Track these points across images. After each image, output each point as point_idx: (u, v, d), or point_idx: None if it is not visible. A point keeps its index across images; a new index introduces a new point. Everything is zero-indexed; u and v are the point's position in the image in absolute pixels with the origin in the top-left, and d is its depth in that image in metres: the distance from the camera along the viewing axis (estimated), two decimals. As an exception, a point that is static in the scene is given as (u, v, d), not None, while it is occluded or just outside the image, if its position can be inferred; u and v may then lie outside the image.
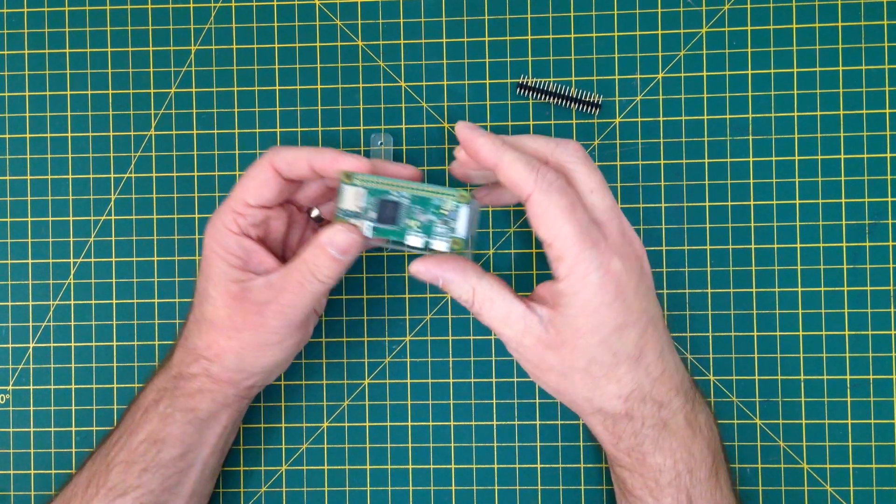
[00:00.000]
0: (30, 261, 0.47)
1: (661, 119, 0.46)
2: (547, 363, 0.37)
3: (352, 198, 0.38)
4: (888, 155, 0.45)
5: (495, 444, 0.46)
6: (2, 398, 0.47)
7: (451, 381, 0.46)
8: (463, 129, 0.37)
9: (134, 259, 0.47)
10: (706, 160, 0.46)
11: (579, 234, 0.35)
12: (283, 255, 0.42)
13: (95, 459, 0.41)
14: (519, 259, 0.46)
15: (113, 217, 0.47)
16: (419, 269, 0.38)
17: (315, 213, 0.42)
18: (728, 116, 0.46)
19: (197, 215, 0.47)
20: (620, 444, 0.38)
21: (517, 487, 0.46)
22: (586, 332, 0.35)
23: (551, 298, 0.36)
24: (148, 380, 0.42)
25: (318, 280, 0.37)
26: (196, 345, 0.40)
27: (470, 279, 0.37)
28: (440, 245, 0.37)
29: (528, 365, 0.38)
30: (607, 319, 0.35)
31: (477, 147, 0.36)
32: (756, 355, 0.45)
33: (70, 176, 0.47)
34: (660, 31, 0.46)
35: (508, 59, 0.46)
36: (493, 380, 0.46)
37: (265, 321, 0.38)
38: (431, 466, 0.46)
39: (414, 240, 0.38)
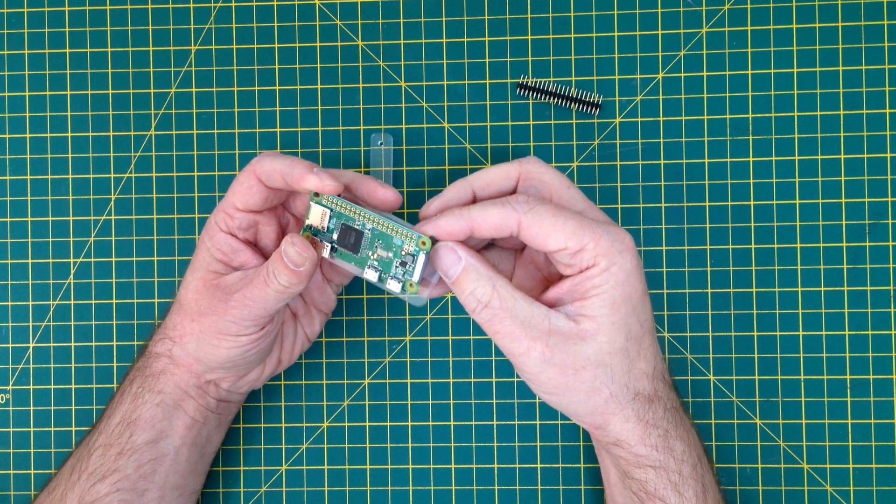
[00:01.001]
0: (30, 261, 0.47)
1: (661, 119, 0.46)
2: (582, 358, 0.35)
3: (317, 215, 0.38)
4: (888, 155, 0.45)
5: (495, 444, 0.46)
6: (2, 398, 0.47)
7: (451, 381, 0.46)
8: (424, 227, 0.37)
9: (134, 259, 0.47)
10: (706, 160, 0.46)
11: (581, 221, 0.36)
12: None
13: (80, 445, 0.42)
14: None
15: (113, 217, 0.47)
16: (445, 246, 0.37)
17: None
18: (728, 116, 0.46)
19: (197, 215, 0.47)
20: (652, 434, 0.37)
21: (517, 487, 0.46)
22: (622, 302, 0.35)
23: (573, 293, 0.36)
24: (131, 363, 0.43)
25: (278, 282, 0.37)
26: (165, 325, 0.41)
27: (491, 275, 0.36)
28: (393, 284, 0.37)
29: (554, 372, 0.35)
30: (637, 284, 0.36)
31: (445, 230, 0.36)
32: (756, 355, 0.45)
33: (70, 176, 0.47)
34: (660, 31, 0.46)
35: (508, 59, 0.46)
36: (493, 380, 0.46)
37: (227, 308, 0.38)
38: (431, 466, 0.46)
39: (370, 273, 0.38)
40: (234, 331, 0.39)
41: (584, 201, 0.38)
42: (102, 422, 0.41)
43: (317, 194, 0.38)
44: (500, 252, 0.41)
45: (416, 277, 0.37)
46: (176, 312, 0.41)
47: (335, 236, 0.38)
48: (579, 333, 0.35)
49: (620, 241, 0.36)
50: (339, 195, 0.38)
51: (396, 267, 0.37)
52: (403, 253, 0.37)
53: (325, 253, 0.38)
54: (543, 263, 0.40)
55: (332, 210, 0.38)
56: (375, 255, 0.38)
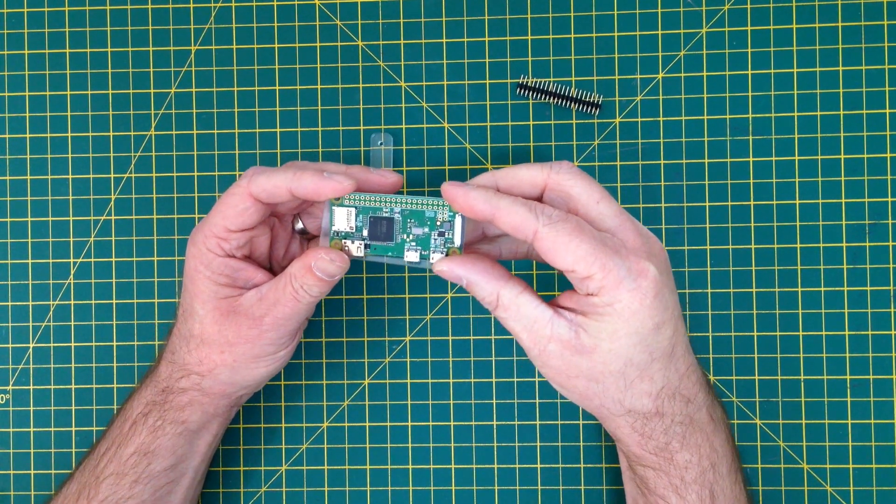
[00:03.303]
0: (30, 261, 0.47)
1: (661, 119, 0.46)
2: (576, 368, 0.36)
3: (343, 218, 0.37)
4: (888, 155, 0.45)
5: (495, 444, 0.46)
6: (2, 398, 0.47)
7: (451, 381, 0.46)
8: (450, 189, 0.36)
9: (134, 259, 0.47)
10: (706, 160, 0.46)
11: (597, 247, 0.34)
12: (270, 265, 0.42)
13: (84, 471, 0.41)
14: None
15: (113, 217, 0.47)
16: (443, 268, 0.37)
17: (299, 226, 0.42)
18: (728, 116, 0.46)
19: (197, 215, 0.47)
20: (649, 443, 0.37)
21: (517, 487, 0.46)
22: (624, 335, 0.35)
23: (581, 307, 0.36)
24: (134, 390, 0.42)
25: (309, 295, 0.38)
26: (186, 361, 0.40)
27: (494, 281, 0.36)
28: (437, 258, 0.37)
29: (550, 371, 0.37)
30: (646, 320, 0.35)
31: (470, 203, 0.35)
32: (756, 355, 0.45)
33: (70, 176, 0.47)
34: (660, 31, 0.46)
35: (508, 59, 0.46)
36: (493, 380, 0.46)
37: (261, 333, 0.38)
38: (431, 466, 0.46)
39: (411, 255, 0.37)
40: (272, 351, 0.39)
41: (617, 217, 0.36)
42: (111, 449, 0.40)
43: (336, 198, 0.37)
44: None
45: (458, 241, 0.37)
46: (197, 348, 0.39)
47: (366, 232, 0.38)
48: (576, 346, 0.35)
49: (635, 275, 0.34)
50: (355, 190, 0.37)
51: (435, 239, 0.37)
52: (439, 223, 0.37)
53: (360, 252, 0.38)
54: None
55: (357, 207, 0.37)
56: (411, 237, 0.37)
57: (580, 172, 0.37)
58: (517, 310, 0.36)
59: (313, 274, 0.37)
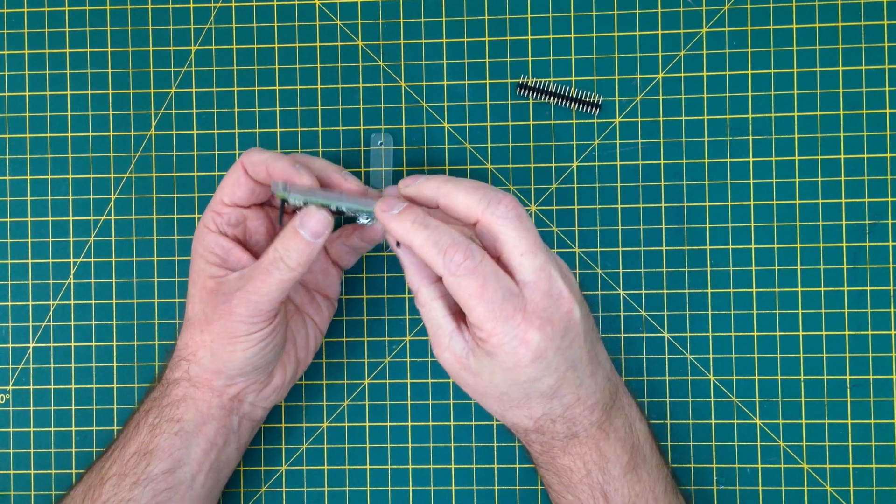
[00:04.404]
0: (30, 261, 0.47)
1: (661, 119, 0.46)
2: (462, 380, 0.39)
3: (297, 202, 0.39)
4: (888, 155, 0.45)
5: (495, 444, 0.46)
6: (2, 398, 0.47)
7: (451, 380, 0.46)
8: (380, 216, 0.38)
9: (134, 259, 0.47)
10: (706, 160, 0.46)
11: (490, 311, 0.36)
12: None
13: (92, 472, 0.41)
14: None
15: (113, 217, 0.47)
16: (391, 240, 0.39)
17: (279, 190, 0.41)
18: (728, 116, 0.46)
19: (197, 215, 0.47)
20: (532, 445, 0.40)
21: (517, 487, 0.46)
22: (500, 376, 0.37)
23: (475, 337, 0.37)
24: (147, 391, 0.43)
25: (287, 265, 0.37)
26: (178, 346, 0.41)
27: (421, 278, 0.38)
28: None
29: (448, 369, 0.39)
30: (521, 376, 0.37)
31: (394, 229, 0.37)
32: (756, 355, 0.45)
33: (70, 176, 0.47)
34: (660, 31, 0.46)
35: (508, 59, 0.46)
36: (493, 380, 0.46)
37: (232, 309, 0.38)
38: (431, 466, 0.46)
39: (361, 219, 0.39)
40: (244, 330, 0.38)
41: (534, 273, 0.36)
42: (116, 450, 0.40)
43: (284, 199, 0.38)
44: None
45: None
46: (185, 330, 0.40)
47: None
48: (465, 365, 0.38)
49: (517, 343, 0.36)
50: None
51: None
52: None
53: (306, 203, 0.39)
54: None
55: (304, 199, 0.38)
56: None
57: (516, 217, 0.36)
58: (429, 311, 0.38)
59: (298, 235, 0.38)
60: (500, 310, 0.36)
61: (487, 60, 0.47)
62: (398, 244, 0.38)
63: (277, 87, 0.47)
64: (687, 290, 0.46)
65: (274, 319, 0.39)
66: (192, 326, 0.40)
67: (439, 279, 0.38)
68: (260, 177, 0.40)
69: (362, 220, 0.39)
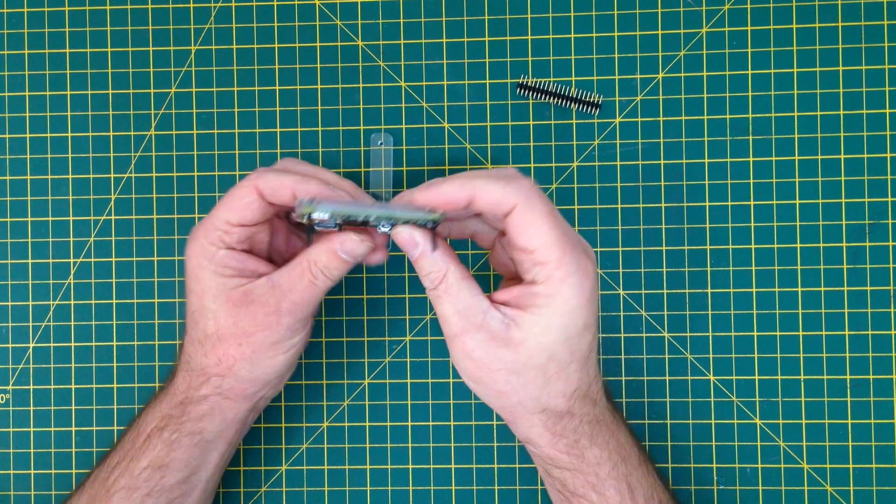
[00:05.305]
0: (30, 261, 0.47)
1: (661, 119, 0.46)
2: (499, 361, 0.37)
3: (323, 216, 0.38)
4: (888, 155, 0.45)
5: (495, 444, 0.46)
6: (2, 398, 0.47)
7: (451, 380, 0.46)
8: (421, 194, 0.37)
9: (134, 259, 0.47)
10: (706, 160, 0.46)
11: (563, 237, 0.36)
12: (271, 258, 0.42)
13: (94, 483, 0.41)
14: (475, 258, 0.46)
15: (113, 217, 0.47)
16: (402, 231, 0.38)
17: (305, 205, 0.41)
18: (728, 116, 0.46)
19: (197, 215, 0.47)
20: (560, 442, 0.38)
21: (517, 487, 0.46)
22: (555, 330, 0.36)
23: (518, 300, 0.37)
24: (148, 404, 0.42)
25: (328, 278, 0.39)
26: (204, 364, 0.39)
27: (448, 259, 0.38)
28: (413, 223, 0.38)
29: (471, 365, 0.38)
30: (578, 320, 0.36)
31: (444, 195, 0.37)
32: (756, 355, 0.45)
33: (70, 176, 0.47)
34: (660, 31, 0.46)
35: (508, 59, 0.46)
36: (493, 380, 0.46)
37: (279, 319, 0.38)
38: (431, 466, 0.46)
39: (383, 227, 0.38)
40: (289, 336, 0.39)
41: (566, 226, 0.37)
42: (123, 463, 0.40)
43: (310, 214, 0.37)
44: (485, 226, 0.41)
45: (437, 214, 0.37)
46: (213, 347, 0.39)
47: (340, 223, 0.38)
48: (505, 339, 0.37)
49: (581, 273, 0.36)
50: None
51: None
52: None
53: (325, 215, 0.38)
54: (510, 260, 0.40)
55: (332, 215, 0.37)
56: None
57: (534, 194, 0.37)
58: (457, 293, 0.37)
59: (338, 257, 0.38)
60: (566, 238, 0.36)
61: (487, 60, 0.47)
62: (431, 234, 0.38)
63: (277, 87, 0.47)
64: (687, 290, 0.46)
65: (309, 323, 0.40)
66: (226, 342, 0.39)
67: (460, 262, 0.38)
68: (283, 200, 0.38)
69: (383, 229, 0.38)
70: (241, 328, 0.38)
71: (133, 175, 0.47)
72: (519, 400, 0.38)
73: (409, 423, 0.46)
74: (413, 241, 0.37)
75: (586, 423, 0.38)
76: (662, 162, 0.46)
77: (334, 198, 0.38)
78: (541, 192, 0.37)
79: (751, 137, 0.46)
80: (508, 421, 0.40)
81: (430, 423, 0.46)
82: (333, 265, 0.38)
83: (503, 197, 0.36)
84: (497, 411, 0.40)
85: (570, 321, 0.36)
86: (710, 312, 0.46)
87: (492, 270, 0.46)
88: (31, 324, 0.47)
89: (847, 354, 0.45)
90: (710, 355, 0.46)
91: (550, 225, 0.36)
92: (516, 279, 0.39)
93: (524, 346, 0.36)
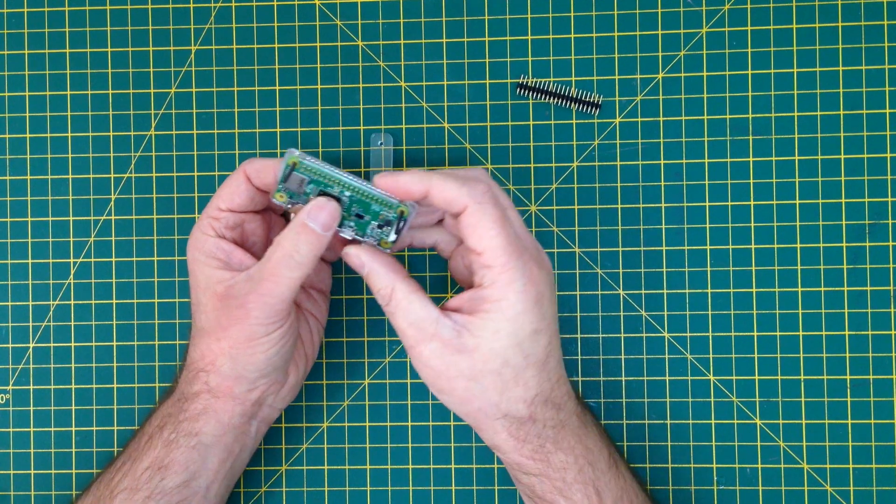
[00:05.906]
0: (30, 261, 0.47)
1: (661, 119, 0.46)
2: (455, 368, 0.38)
3: (296, 181, 0.39)
4: (888, 155, 0.45)
5: (495, 444, 0.46)
6: (2, 398, 0.47)
7: (451, 381, 0.46)
8: (382, 180, 0.38)
9: (134, 259, 0.47)
10: (706, 160, 0.46)
11: (508, 244, 0.37)
12: None
13: (100, 485, 0.41)
14: (434, 262, 0.46)
15: (113, 217, 0.47)
16: (350, 251, 0.39)
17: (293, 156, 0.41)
18: (728, 116, 0.46)
19: (197, 215, 0.47)
20: (525, 447, 0.39)
21: (517, 487, 0.46)
22: (505, 335, 0.37)
23: (469, 305, 0.38)
24: (155, 405, 0.42)
25: (297, 262, 0.37)
26: (193, 359, 0.40)
27: (392, 275, 0.38)
28: (370, 242, 0.39)
29: (431, 373, 0.38)
30: (525, 324, 0.37)
31: (402, 184, 0.38)
32: (756, 355, 0.45)
33: (70, 176, 0.47)
34: (660, 31, 0.46)
35: (508, 59, 0.46)
36: (493, 380, 0.46)
37: (248, 312, 0.38)
38: (431, 466, 0.46)
39: (347, 231, 0.39)
40: (262, 332, 0.38)
41: (522, 227, 0.39)
42: (126, 464, 0.40)
43: (295, 164, 0.38)
44: (446, 235, 0.42)
45: (391, 239, 0.39)
46: (199, 341, 0.40)
47: (312, 198, 0.39)
48: (458, 346, 0.37)
49: (526, 280, 0.37)
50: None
51: (373, 229, 0.39)
52: (381, 218, 0.39)
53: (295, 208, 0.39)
54: (468, 266, 0.40)
55: (309, 178, 0.38)
56: (352, 218, 0.39)
57: (492, 194, 0.38)
58: (407, 306, 0.38)
59: (307, 228, 0.38)
60: (514, 244, 0.37)
61: (487, 60, 0.47)
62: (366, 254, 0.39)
63: (277, 87, 0.47)
64: (687, 290, 0.46)
65: (289, 317, 0.39)
66: (207, 336, 0.39)
67: (408, 276, 0.39)
68: (266, 181, 0.39)
69: (344, 234, 0.39)
70: (219, 323, 0.39)
71: (133, 175, 0.47)
72: (479, 406, 0.38)
73: (409, 423, 0.46)
74: (360, 261, 0.39)
75: (550, 427, 0.39)
76: (662, 162, 0.46)
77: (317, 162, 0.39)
78: (497, 195, 0.38)
79: (751, 137, 0.46)
80: (475, 428, 0.40)
81: (430, 423, 0.46)
82: (302, 240, 0.37)
83: (457, 197, 0.37)
84: (463, 418, 0.40)
85: (517, 326, 0.37)
86: (710, 312, 0.46)
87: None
88: (31, 324, 0.47)
89: (847, 354, 0.45)
90: (710, 355, 0.46)
91: (498, 230, 0.37)
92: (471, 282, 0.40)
93: (478, 351, 0.37)
